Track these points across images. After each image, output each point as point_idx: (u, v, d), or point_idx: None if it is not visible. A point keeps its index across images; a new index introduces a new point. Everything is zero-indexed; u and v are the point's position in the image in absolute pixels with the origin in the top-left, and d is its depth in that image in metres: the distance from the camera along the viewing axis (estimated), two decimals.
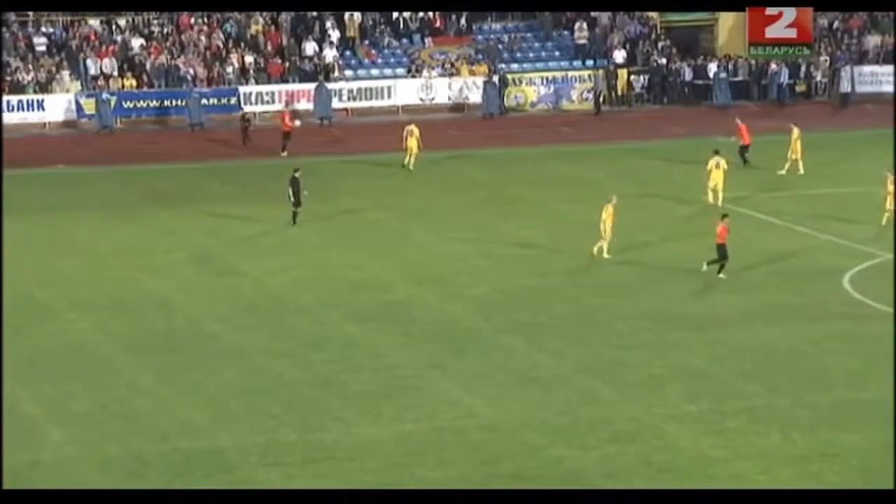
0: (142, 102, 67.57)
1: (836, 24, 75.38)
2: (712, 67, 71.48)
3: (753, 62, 72.23)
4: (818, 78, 72.37)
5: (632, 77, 71.60)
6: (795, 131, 54.07)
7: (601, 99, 69.56)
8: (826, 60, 72.55)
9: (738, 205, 48.61)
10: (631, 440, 28.73)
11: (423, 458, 28.07)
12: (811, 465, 27.35)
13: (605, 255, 41.93)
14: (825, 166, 54.18)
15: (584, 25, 73.13)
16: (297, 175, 46.49)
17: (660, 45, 73.11)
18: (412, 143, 55.83)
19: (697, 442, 28.61)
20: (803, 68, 72.22)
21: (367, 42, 72.27)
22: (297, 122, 60.71)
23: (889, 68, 72.76)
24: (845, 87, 70.63)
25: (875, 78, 72.45)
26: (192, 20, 71.10)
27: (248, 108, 67.44)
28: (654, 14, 74.64)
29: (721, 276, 39.90)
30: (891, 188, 44.90)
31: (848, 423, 29.38)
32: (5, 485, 26.05)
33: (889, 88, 72.26)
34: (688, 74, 71.74)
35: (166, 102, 67.51)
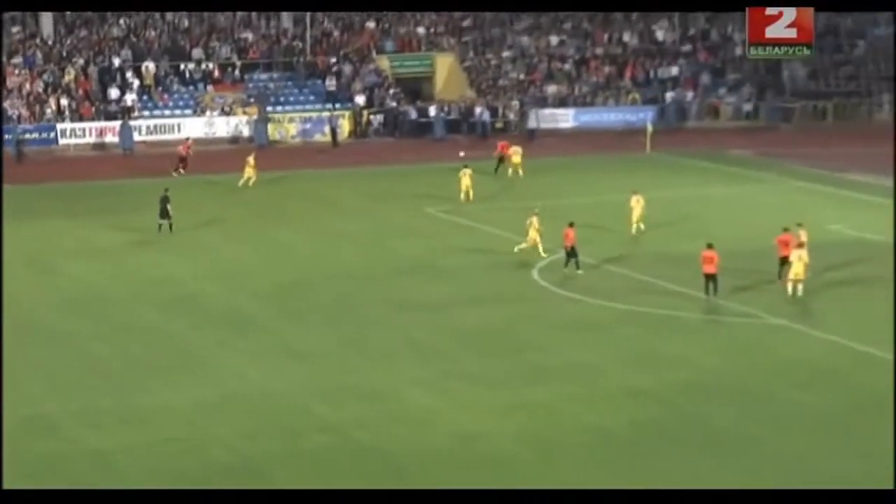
0: None
1: (522, 77, 77.24)
2: (432, 109, 72.52)
3: (463, 104, 73.54)
4: (511, 117, 73.93)
5: (371, 116, 72.19)
6: (514, 149, 55.81)
7: (337, 134, 69.50)
8: (517, 104, 74.26)
9: (451, 214, 49.55)
10: (376, 399, 29.10)
11: (214, 417, 27.99)
12: (514, 415, 28.03)
13: (543, 255, 41.27)
14: (524, 185, 55.48)
15: (333, 76, 73.55)
16: (167, 194, 45.94)
17: (391, 91, 73.86)
18: (249, 171, 55.27)
19: (426, 399, 29.11)
20: (500, 110, 73.76)
21: (160, 88, 71.30)
22: (189, 151, 59.77)
23: (564, 111, 74.83)
24: (532, 124, 72.32)
25: (554, 117, 74.35)
26: (17, 71, 69.05)
27: (64, 142, 66.23)
28: (386, 66, 75.38)
29: (580, 271, 39.61)
30: (636, 205, 44.78)
31: (538, 381, 30.22)
32: None
33: (565, 125, 74.38)
34: (413, 114, 72.58)
35: None
